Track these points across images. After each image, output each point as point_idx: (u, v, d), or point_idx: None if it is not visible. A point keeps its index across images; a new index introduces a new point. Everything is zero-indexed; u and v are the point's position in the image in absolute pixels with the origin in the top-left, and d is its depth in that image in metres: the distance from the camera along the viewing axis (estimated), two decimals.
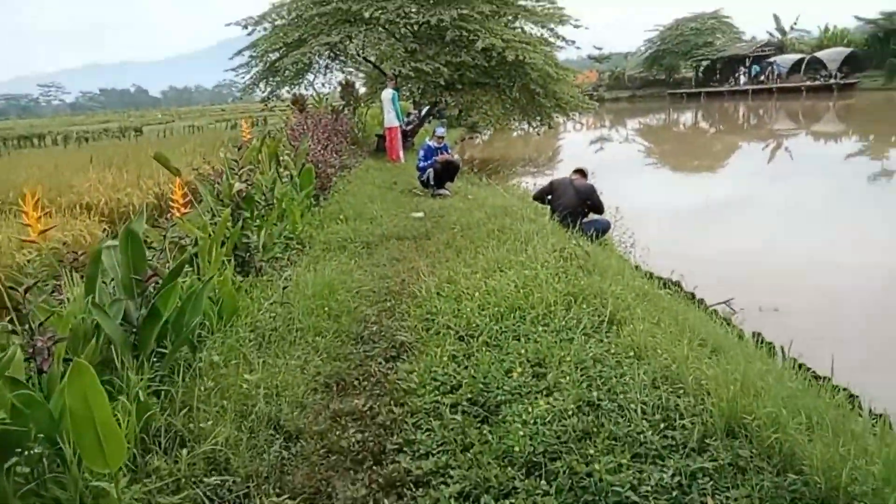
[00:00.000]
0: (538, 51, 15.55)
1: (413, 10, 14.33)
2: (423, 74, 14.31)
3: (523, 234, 5.75)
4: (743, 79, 43.54)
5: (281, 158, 7.11)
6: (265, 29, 16.40)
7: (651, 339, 3.41)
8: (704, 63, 47.54)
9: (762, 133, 25.55)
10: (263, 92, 17.64)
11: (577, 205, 6.85)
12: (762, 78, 41.84)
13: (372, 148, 15.09)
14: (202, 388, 2.82)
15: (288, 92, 17.51)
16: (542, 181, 14.12)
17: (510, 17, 16.51)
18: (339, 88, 19.28)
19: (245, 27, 16.15)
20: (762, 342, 4.91)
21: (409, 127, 15.60)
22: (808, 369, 4.33)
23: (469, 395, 2.91)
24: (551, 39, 17.01)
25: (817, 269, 7.11)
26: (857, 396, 3.60)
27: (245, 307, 3.84)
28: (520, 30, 16.67)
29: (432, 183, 9.31)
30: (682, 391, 2.85)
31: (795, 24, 46.31)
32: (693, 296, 6.11)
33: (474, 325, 3.65)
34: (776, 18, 47.01)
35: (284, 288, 4.25)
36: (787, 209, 10.55)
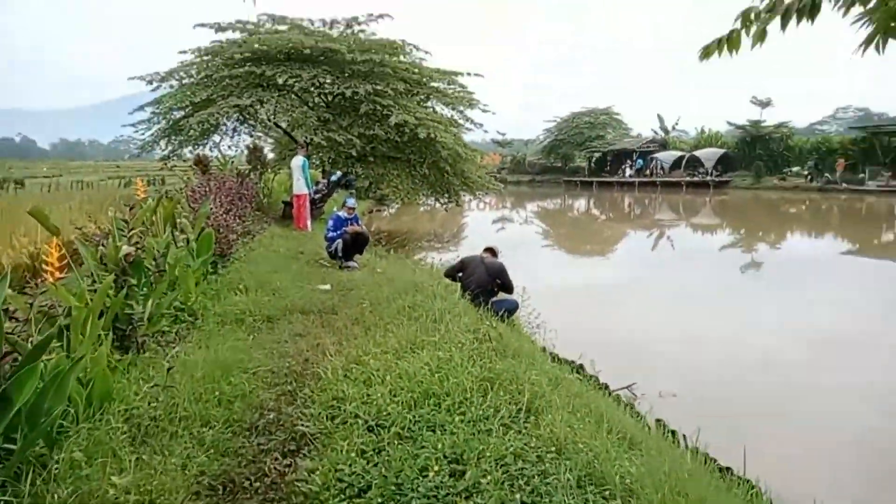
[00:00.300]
0: (448, 130, 16.05)
1: (328, 80, 14.42)
2: (335, 144, 14.26)
3: (435, 312, 5.55)
4: (629, 171, 47.13)
5: (178, 221, 6.60)
6: (171, 86, 15.85)
7: (570, 431, 3.26)
8: (596, 154, 51.17)
9: (647, 222, 27.60)
10: (164, 150, 16.87)
11: (487, 283, 6.80)
12: (647, 171, 45.52)
13: (278, 215, 14.61)
14: (56, 496, 2.31)
15: (191, 152, 16.85)
16: (448, 256, 14.62)
17: (423, 97, 17.03)
18: (246, 152, 18.84)
19: (150, 83, 15.52)
20: (667, 431, 4.96)
21: (318, 195, 15.31)
22: (714, 461, 4.39)
23: (380, 500, 2.58)
24: (460, 121, 17.68)
25: (704, 350, 7.94)
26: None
27: (120, 391, 3.32)
28: (431, 109, 17.20)
29: (340, 254, 9.02)
30: (609, 493, 2.68)
31: (676, 124, 51.27)
32: (597, 380, 6.15)
33: (385, 413, 3.34)
34: (660, 118, 51.83)
35: (169, 369, 3.74)
36: (670, 294, 11.60)
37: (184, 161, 17.31)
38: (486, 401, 3.51)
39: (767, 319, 9.67)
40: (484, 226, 25.81)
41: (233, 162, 16.70)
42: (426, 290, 6.60)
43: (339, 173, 18.89)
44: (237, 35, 15.83)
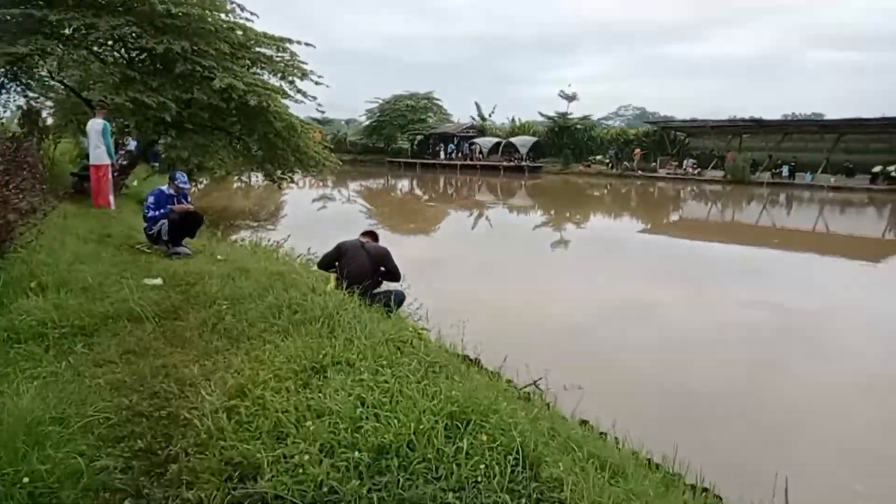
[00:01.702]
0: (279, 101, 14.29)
1: (132, 32, 11.83)
2: (142, 107, 11.78)
3: (322, 313, 4.34)
4: (442, 154, 48.31)
5: None
6: None
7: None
8: (419, 137, 51.60)
9: (468, 203, 28.60)
10: None
11: (369, 272, 5.69)
12: (462, 154, 47.03)
13: (66, 190, 11.73)
14: None
15: None
16: (267, 235, 13.19)
17: (248, 62, 14.89)
18: (17, 114, 15.18)
19: None
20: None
21: (124, 164, 12.74)
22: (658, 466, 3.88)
23: None
24: (290, 92, 15.80)
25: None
26: None
27: None
28: (259, 77, 15.17)
29: (165, 238, 7.21)
30: None
31: (492, 112, 53.40)
32: (499, 376, 5.42)
33: (324, 491, 2.18)
34: (477, 106, 53.59)
35: None
36: (499, 270, 12.13)
37: None
38: (465, 452, 2.47)
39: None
40: (305, 204, 24.84)
41: (2, 124, 13.23)
42: (296, 283, 5.29)
43: (133, 141, 16.02)
44: None
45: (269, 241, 10.60)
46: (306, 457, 2.33)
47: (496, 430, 2.59)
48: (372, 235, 6.10)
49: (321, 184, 33.59)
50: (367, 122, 55.14)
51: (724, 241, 17.22)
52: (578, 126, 43.94)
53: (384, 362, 3.30)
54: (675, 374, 6.51)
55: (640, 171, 37.37)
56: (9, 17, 11.36)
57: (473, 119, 52.69)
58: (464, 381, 3.22)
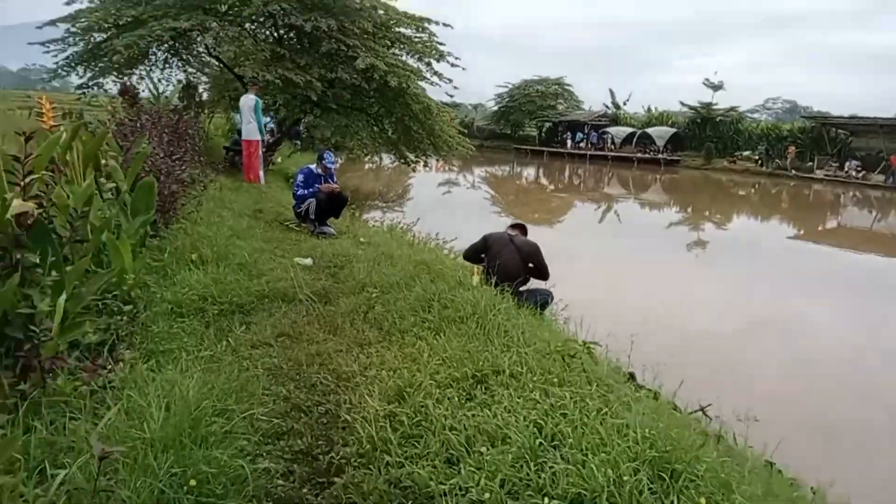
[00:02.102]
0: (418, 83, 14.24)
1: (282, 8, 12.19)
2: (290, 85, 12.17)
3: (474, 311, 4.03)
4: (569, 143, 46.69)
5: (104, 163, 4.71)
6: (91, 1, 13.11)
7: None
8: (548, 124, 50.34)
9: (597, 195, 27.24)
10: (81, 78, 14.16)
11: (518, 268, 5.32)
12: (589, 144, 45.26)
13: (220, 163, 12.43)
14: None
15: (113, 82, 14.22)
16: (395, 217, 13.22)
17: (388, 42, 14.94)
18: (179, 88, 16.32)
19: None
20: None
21: (272, 141, 13.29)
22: None
23: None
24: (427, 74, 15.67)
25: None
26: None
27: None
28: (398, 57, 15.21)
29: (312, 216, 7.28)
30: None
31: (627, 101, 50.82)
32: (664, 398, 4.85)
33: None
34: (611, 93, 51.23)
35: (102, 458, 2.04)
36: (626, 269, 11.15)
37: (105, 92, 14.67)
38: None
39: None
40: (430, 187, 24.70)
41: (166, 97, 14.28)
42: (443, 274, 5.04)
43: (270, 120, 16.67)
44: None
45: (399, 223, 10.57)
46: (487, 495, 2.00)
47: (711, 487, 2.11)
48: (521, 228, 5.72)
49: (447, 168, 33.75)
50: (496, 108, 54.60)
51: (890, 255, 15.10)
52: (724, 118, 40.45)
53: (554, 379, 2.91)
54: (831, 402, 5.68)
55: (793, 171, 33.71)
56: None
57: (606, 107, 50.45)
58: (650, 412, 2.75)
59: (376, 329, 3.93)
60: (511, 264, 5.26)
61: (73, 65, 13.83)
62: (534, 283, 5.62)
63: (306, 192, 7.30)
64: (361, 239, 7.03)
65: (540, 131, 51.56)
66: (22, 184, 2.58)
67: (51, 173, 3.45)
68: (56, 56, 13.89)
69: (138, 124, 6.76)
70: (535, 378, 2.92)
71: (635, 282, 10.07)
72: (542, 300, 5.43)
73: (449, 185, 27.60)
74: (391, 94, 13.64)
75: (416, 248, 7.01)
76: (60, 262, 2.69)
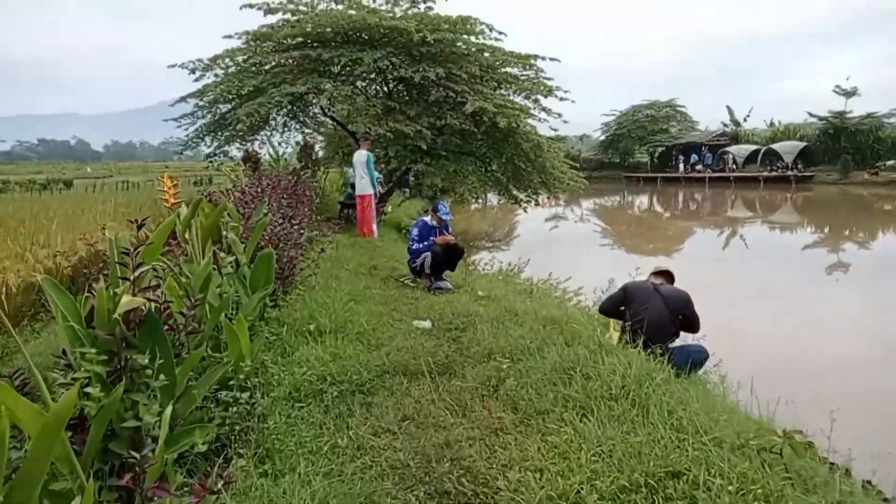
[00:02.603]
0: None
1: (391, 63, 12.39)
2: (400, 136, 12.26)
3: (624, 384, 3.43)
4: (681, 167, 44.09)
5: (225, 235, 4.67)
6: (216, 75, 14.12)
7: None
8: (660, 149, 48.19)
9: (719, 219, 25.49)
10: (209, 147, 15.22)
11: (665, 321, 4.64)
12: (704, 165, 42.47)
13: (334, 217, 12.69)
14: None
15: (238, 149, 15.15)
16: (503, 257, 12.76)
17: (495, 83, 14.77)
18: (297, 149, 17.10)
19: (192, 71, 13.78)
20: None
21: (383, 192, 13.44)
22: None
23: None
24: (534, 111, 15.26)
25: None
26: None
27: None
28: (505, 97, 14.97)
29: (428, 271, 6.99)
30: None
31: (748, 116, 47.70)
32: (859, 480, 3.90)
33: None
34: (729, 110, 48.37)
35: None
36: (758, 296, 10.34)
37: (231, 159, 15.65)
38: None
39: None
40: (537, 223, 24.01)
41: (285, 159, 14.94)
42: (578, 334, 4.47)
43: (377, 174, 16.91)
44: (289, 17, 13.97)
45: (510, 265, 10.13)
46: None
47: None
48: (667, 276, 5.03)
49: (553, 203, 33.06)
50: (602, 137, 53.31)
51: None
52: (861, 126, 36.59)
53: (759, 491, 2.24)
54: None
55: None
56: (290, 60, 12.69)
57: (725, 125, 47.64)
58: None
59: (510, 410, 3.42)
60: (659, 319, 4.59)
61: (201, 136, 14.89)
62: (681, 338, 4.90)
63: (421, 245, 7.03)
64: (479, 292, 6.61)
65: (651, 157, 49.53)
66: (132, 277, 2.39)
67: (165, 258, 3.33)
68: (187, 129, 15.04)
69: (259, 189, 6.86)
70: (730, 487, 2.28)
71: (775, 316, 9.06)
72: (697, 359, 4.68)
73: (556, 219, 26.98)
74: (500, 135, 13.39)
75: (539, 298, 6.48)
76: (171, 361, 2.46)
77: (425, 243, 7.02)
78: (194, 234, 3.91)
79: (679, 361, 4.46)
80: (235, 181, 8.25)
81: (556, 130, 16.33)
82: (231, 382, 3.14)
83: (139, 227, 2.44)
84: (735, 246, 18.26)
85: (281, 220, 5.76)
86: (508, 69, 15.20)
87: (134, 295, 2.36)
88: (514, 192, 15.31)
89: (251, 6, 13.34)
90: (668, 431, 2.83)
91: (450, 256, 7.08)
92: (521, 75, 15.41)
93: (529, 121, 14.57)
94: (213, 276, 3.72)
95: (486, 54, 14.30)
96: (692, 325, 4.75)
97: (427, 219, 7.26)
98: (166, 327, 2.65)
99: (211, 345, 3.45)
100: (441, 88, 12.44)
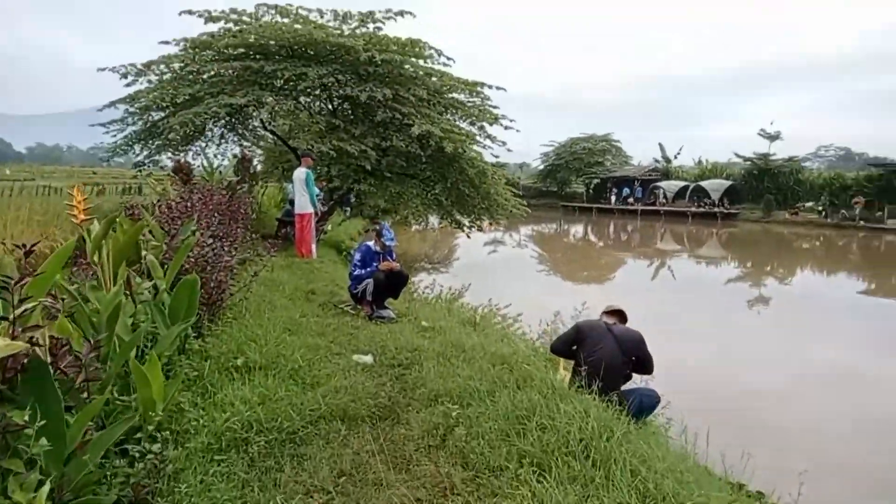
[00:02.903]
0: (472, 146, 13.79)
1: (339, 80, 12.03)
2: (344, 155, 11.86)
3: (582, 436, 3.17)
4: (613, 199, 45.68)
5: (144, 256, 4.16)
6: (150, 81, 13.31)
7: None
8: (595, 181, 49.63)
9: (649, 251, 26.48)
10: (138, 156, 14.31)
11: (619, 362, 4.44)
12: (634, 199, 44.06)
13: (271, 237, 12.06)
14: None
15: (170, 159, 14.30)
16: (443, 279, 12.64)
17: (441, 108, 14.63)
18: (234, 162, 16.38)
19: (124, 76, 12.91)
20: None
21: (324, 210, 12.94)
22: None
23: None
24: (479, 138, 15.18)
25: None
26: None
27: None
28: (451, 122, 14.84)
29: (370, 298, 6.61)
30: None
31: (678, 153, 49.80)
32: None
33: None
34: (661, 147, 50.34)
35: None
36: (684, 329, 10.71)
37: (161, 169, 14.77)
38: None
39: None
40: (476, 247, 24.39)
41: (220, 172, 14.23)
42: (531, 375, 4.20)
43: (318, 192, 16.42)
44: (231, 27, 13.39)
45: (450, 289, 9.97)
46: None
47: None
48: (619, 315, 4.85)
49: (493, 227, 33.28)
50: (542, 166, 54.47)
51: None
52: (783, 168, 38.81)
53: None
54: None
55: (862, 222, 31.78)
56: (231, 71, 12.12)
57: (657, 161, 49.55)
58: None
59: (460, 465, 3.10)
60: (612, 360, 4.39)
61: (131, 143, 14.00)
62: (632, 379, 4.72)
63: (363, 272, 6.66)
64: (424, 322, 6.29)
65: (587, 188, 50.96)
66: (12, 316, 1.94)
67: (55, 292, 2.82)
68: (115, 136, 14.12)
69: (188, 205, 6.32)
70: None
71: (689, 343, 9.57)
72: (648, 404, 4.51)
73: (495, 243, 27.44)
74: (445, 160, 13.20)
75: (483, 329, 6.21)
76: (60, 417, 2.01)
77: (368, 269, 6.66)
78: (105, 255, 3.41)
79: (631, 407, 4.26)
80: (161, 194, 7.60)
81: (497, 157, 16.32)
82: (138, 435, 2.68)
83: (27, 254, 1.99)
84: (664, 277, 18.90)
85: (211, 240, 5.26)
86: (455, 95, 15.12)
87: (14, 337, 1.91)
88: (458, 216, 15.13)
89: (191, 13, 12.72)
90: (633, 498, 2.58)
91: (393, 284, 6.74)
92: (468, 101, 15.37)
93: (474, 147, 14.51)
94: (125, 304, 3.24)
95: (434, 78, 14.17)
96: (645, 366, 4.59)
97: (370, 243, 6.89)
98: (59, 372, 2.20)
99: (119, 386, 2.97)
100: (387, 109, 12.17)
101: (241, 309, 5.39)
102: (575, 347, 4.64)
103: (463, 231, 15.70)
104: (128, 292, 3.42)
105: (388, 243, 6.78)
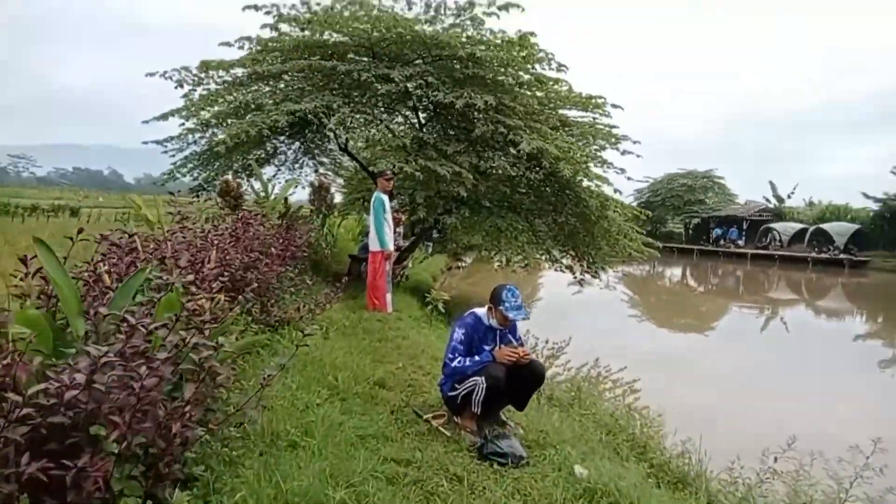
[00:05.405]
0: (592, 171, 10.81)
1: (428, 83, 9.46)
2: (433, 178, 9.22)
3: None
4: (720, 240, 41.12)
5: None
6: (207, 90, 11.18)
7: None
8: (696, 220, 45.26)
9: (759, 299, 23.78)
10: (196, 179, 12.30)
11: None
12: (727, 241, 40.39)
13: (342, 273, 9.37)
14: None
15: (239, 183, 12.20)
16: (532, 326, 9.64)
17: (556, 123, 11.65)
18: (308, 189, 14.23)
19: (179, 84, 10.82)
20: None
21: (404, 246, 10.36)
22: None
23: None
24: (598, 164, 12.07)
25: None
26: None
27: None
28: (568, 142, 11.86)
29: (476, 410, 3.78)
30: None
31: (793, 192, 44.56)
32: None
33: None
34: (772, 186, 45.28)
35: None
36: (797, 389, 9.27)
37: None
38: None
39: None
40: (559, 287, 21.57)
41: (286, 199, 11.97)
42: None
43: (399, 231, 13.97)
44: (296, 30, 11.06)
45: (546, 342, 8.21)
46: None
47: None
48: None
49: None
50: (635, 203, 50.45)
51: None
52: None
53: None
54: None
55: None
56: (298, 73, 9.89)
57: (767, 200, 44.43)
58: None
59: None
60: None
61: (192, 165, 12.09)
62: None
63: (468, 362, 3.82)
64: (577, 468, 3.37)
65: (687, 227, 46.51)
66: None
67: None
68: (174, 155, 12.28)
69: (183, 240, 3.77)
70: None
71: (802, 408, 8.13)
72: None
73: (580, 284, 23.90)
74: (557, 186, 10.33)
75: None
76: None
77: (476, 358, 3.82)
78: None
79: None
80: (150, 222, 5.20)
81: (613, 187, 13.02)
82: None
83: None
84: (773, 328, 16.81)
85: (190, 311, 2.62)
86: (565, 111, 12.31)
87: None
88: (571, 259, 12.08)
89: (257, 8, 10.49)
90: None
91: (520, 385, 3.87)
92: (581, 118, 12.54)
93: (596, 171, 11.45)
94: None
95: (540, 93, 11.44)
96: None
97: (482, 313, 4.05)
98: None
99: None
100: (489, 122, 9.45)
101: (238, 446, 2.68)
102: None
103: (574, 277, 12.58)
104: None
105: (510, 315, 3.90)
